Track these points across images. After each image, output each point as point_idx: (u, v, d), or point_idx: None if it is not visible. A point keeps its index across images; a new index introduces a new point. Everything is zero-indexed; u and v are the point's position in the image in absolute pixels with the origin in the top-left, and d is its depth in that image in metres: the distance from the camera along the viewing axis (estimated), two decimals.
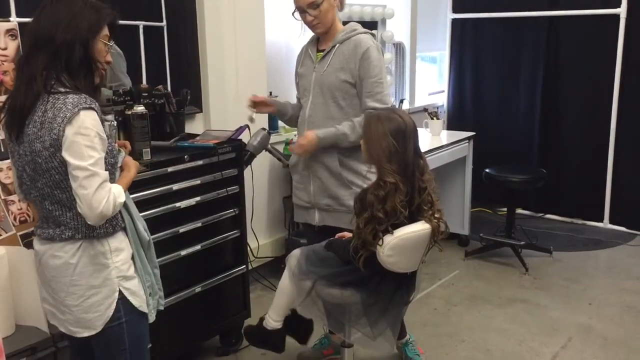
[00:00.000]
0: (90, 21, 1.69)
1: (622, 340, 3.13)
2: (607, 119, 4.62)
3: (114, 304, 1.76)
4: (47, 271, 1.77)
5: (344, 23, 2.64)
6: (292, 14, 2.60)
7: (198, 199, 2.68)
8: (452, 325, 3.30)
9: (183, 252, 2.63)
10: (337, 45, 2.55)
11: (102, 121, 1.68)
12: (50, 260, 1.74)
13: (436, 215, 2.18)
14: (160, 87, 2.92)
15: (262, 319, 2.56)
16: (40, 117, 1.63)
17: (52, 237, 1.73)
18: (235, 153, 2.81)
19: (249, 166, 2.86)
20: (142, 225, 1.87)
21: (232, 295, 2.96)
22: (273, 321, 2.50)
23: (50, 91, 1.64)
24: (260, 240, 3.68)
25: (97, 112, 1.65)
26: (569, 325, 3.28)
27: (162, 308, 1.98)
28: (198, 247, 2.71)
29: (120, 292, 1.76)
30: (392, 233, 2.08)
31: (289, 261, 2.44)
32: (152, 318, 1.91)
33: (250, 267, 3.13)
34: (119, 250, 1.77)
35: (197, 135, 2.96)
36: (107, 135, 1.70)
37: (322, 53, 2.61)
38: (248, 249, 3.08)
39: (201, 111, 3.38)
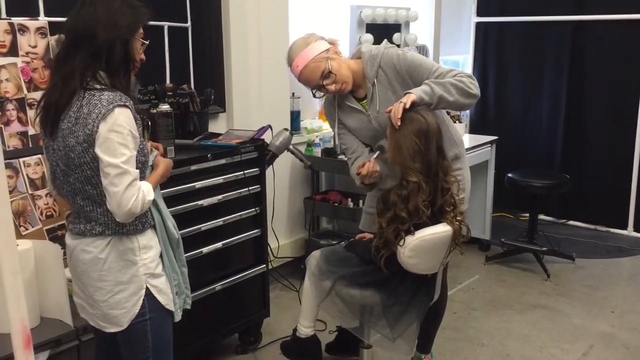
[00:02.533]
0: (129, 20, 1.70)
1: None
2: (632, 125, 4.55)
3: (140, 301, 1.77)
4: (78, 265, 1.79)
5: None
6: (314, 95, 2.44)
7: (220, 197, 2.70)
8: (471, 330, 3.28)
9: (205, 250, 2.66)
10: (375, 81, 2.36)
11: (136, 119, 1.69)
12: (80, 254, 1.77)
13: (458, 218, 2.17)
14: (184, 86, 2.95)
15: (295, 330, 2.56)
16: (76, 113, 1.65)
17: (82, 232, 1.75)
18: (257, 153, 2.83)
19: (271, 166, 2.87)
20: (171, 224, 1.87)
21: (251, 294, 2.98)
22: (305, 328, 2.51)
23: (87, 87, 1.66)
24: (281, 240, 3.69)
25: (131, 110, 1.67)
26: (591, 333, 3.24)
27: (188, 307, 1.98)
28: (219, 245, 2.73)
29: (147, 289, 1.77)
30: (413, 233, 2.08)
31: (309, 262, 2.45)
32: (178, 317, 1.91)
33: (270, 267, 3.14)
34: (148, 248, 1.78)
35: (220, 134, 2.98)
36: (138, 134, 1.71)
37: (365, 100, 2.42)
38: (268, 248, 3.09)
39: (224, 111, 3.40)
